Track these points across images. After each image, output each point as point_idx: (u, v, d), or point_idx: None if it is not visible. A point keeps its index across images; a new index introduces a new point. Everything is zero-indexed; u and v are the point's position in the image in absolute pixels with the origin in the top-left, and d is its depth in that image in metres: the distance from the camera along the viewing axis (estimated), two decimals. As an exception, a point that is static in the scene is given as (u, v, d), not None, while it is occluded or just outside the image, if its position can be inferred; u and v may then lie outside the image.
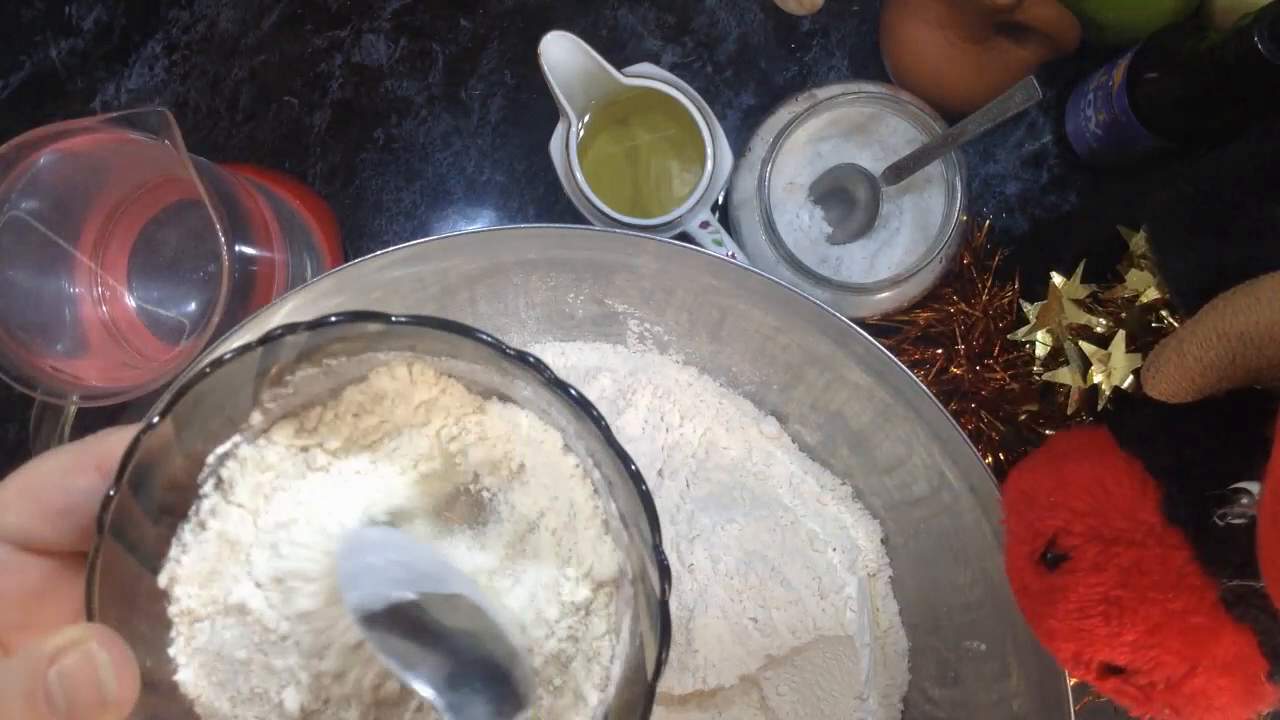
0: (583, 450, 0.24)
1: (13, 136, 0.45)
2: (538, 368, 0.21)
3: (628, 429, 0.52)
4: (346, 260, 0.48)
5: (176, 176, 0.47)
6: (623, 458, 0.22)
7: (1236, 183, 0.38)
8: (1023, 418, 0.54)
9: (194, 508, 0.23)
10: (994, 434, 0.54)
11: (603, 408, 0.53)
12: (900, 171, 0.54)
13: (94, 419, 0.51)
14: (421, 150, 0.62)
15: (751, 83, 0.61)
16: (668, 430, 0.53)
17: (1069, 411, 0.51)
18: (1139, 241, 0.51)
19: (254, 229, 0.49)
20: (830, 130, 0.57)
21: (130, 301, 0.53)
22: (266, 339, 0.21)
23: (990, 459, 0.53)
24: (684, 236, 0.56)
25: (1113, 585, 0.34)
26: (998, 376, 0.54)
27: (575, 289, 0.51)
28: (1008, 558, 0.39)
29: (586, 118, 0.55)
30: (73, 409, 0.49)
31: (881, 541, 0.53)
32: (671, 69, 0.58)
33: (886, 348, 0.45)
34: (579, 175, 0.53)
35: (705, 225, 0.56)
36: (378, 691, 0.22)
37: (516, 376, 0.23)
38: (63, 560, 0.22)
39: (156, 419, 0.20)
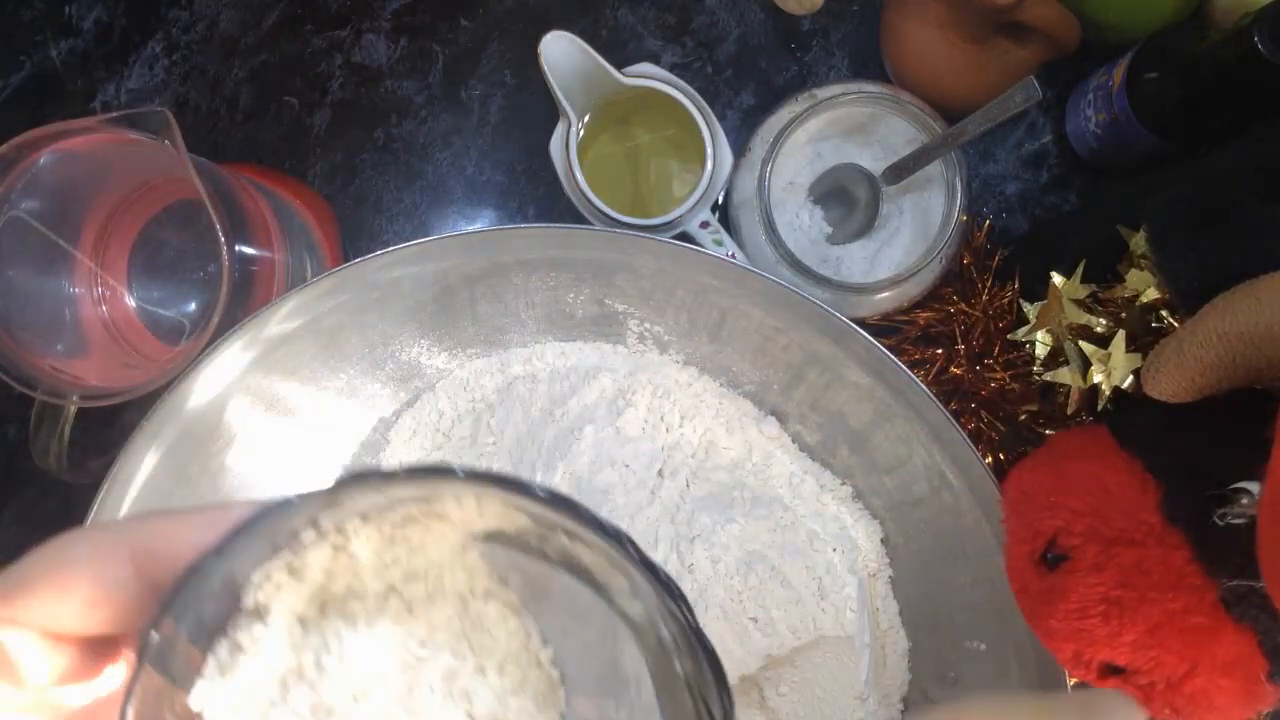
0: (651, 604, 0.23)
1: (13, 136, 0.45)
2: (618, 539, 0.20)
3: (628, 429, 0.52)
4: (346, 260, 0.48)
5: (176, 176, 0.47)
6: (698, 634, 0.20)
7: (1236, 183, 0.38)
8: (1023, 418, 0.54)
9: (232, 622, 0.22)
10: (994, 434, 0.54)
11: (602, 408, 0.53)
12: (900, 171, 0.54)
13: (94, 419, 0.51)
14: (421, 150, 0.62)
15: (751, 83, 0.61)
16: (668, 430, 0.53)
17: (1069, 411, 0.51)
18: (1139, 241, 0.51)
19: (254, 229, 0.49)
20: (830, 130, 0.57)
21: (130, 301, 0.53)
22: (336, 488, 0.20)
23: (990, 459, 0.53)
24: (684, 236, 0.56)
25: (1113, 585, 0.34)
26: (998, 376, 0.54)
27: (575, 289, 0.51)
28: (1008, 558, 0.39)
29: (586, 118, 0.55)
30: (73, 409, 0.49)
31: (881, 541, 0.53)
32: (671, 69, 0.58)
33: (886, 348, 0.45)
34: (579, 175, 0.53)
35: (705, 225, 0.56)
36: None
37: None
38: (83, 644, 0.22)
39: (213, 555, 0.19)
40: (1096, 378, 0.49)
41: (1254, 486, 0.31)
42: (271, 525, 0.20)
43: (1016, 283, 0.55)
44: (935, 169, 0.54)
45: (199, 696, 0.21)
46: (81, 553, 0.21)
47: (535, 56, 0.52)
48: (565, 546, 0.23)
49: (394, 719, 0.21)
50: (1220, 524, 0.32)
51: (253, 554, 0.21)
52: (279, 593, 0.21)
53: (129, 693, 0.19)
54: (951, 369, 0.55)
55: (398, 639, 0.22)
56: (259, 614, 0.21)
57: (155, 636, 0.19)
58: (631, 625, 0.22)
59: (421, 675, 0.21)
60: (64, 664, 0.21)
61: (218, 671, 0.21)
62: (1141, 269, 0.50)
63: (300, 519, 0.21)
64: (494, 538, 0.23)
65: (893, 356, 0.45)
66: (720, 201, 0.58)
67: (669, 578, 0.20)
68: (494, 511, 0.23)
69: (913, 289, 0.55)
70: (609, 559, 0.22)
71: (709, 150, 0.53)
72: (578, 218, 0.57)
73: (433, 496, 0.22)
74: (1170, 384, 0.34)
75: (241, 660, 0.21)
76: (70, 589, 0.20)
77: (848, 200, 0.58)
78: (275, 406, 0.50)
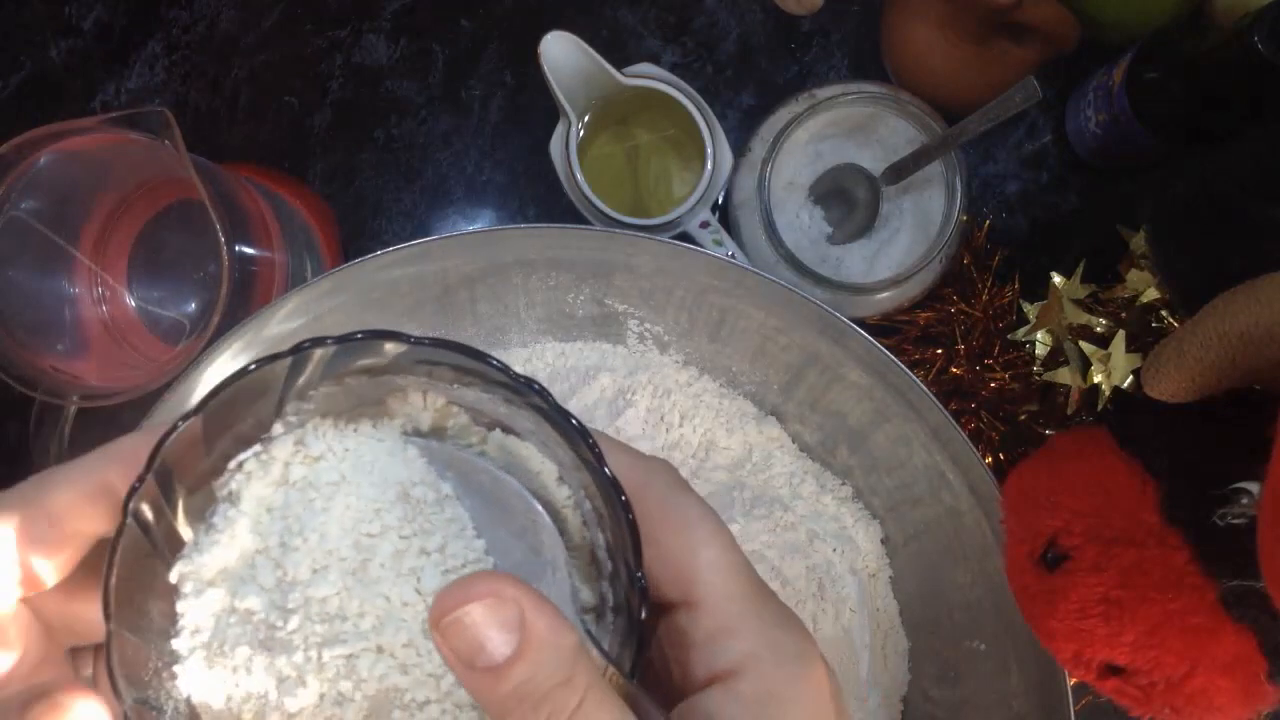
0: (575, 482, 0.26)
1: (13, 136, 0.45)
2: (541, 394, 0.23)
3: (628, 429, 0.52)
4: (346, 260, 0.48)
5: (176, 176, 0.47)
6: (615, 486, 0.23)
7: (1236, 183, 0.38)
8: (1023, 418, 0.54)
9: (210, 510, 0.24)
10: (994, 434, 0.54)
11: (602, 408, 0.53)
12: (900, 171, 0.54)
13: (94, 419, 0.51)
14: (421, 150, 0.62)
15: (751, 83, 0.61)
16: (667, 430, 0.53)
17: (1069, 411, 0.51)
18: (1139, 241, 0.51)
19: (254, 229, 0.49)
20: (830, 130, 0.57)
21: (130, 301, 0.53)
22: (296, 350, 0.22)
23: (990, 459, 0.53)
24: (684, 236, 0.56)
25: (1113, 585, 0.34)
26: (998, 376, 0.54)
27: (575, 289, 0.51)
28: (1007, 558, 0.39)
29: (586, 118, 0.55)
30: (73, 409, 0.49)
31: (881, 541, 0.53)
32: (671, 69, 0.58)
33: (886, 348, 0.45)
34: (579, 175, 0.53)
35: (705, 225, 0.56)
36: (382, 681, 0.23)
37: (520, 406, 0.24)
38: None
39: (182, 420, 0.22)
40: (1096, 378, 0.49)
41: (1254, 486, 0.31)
42: (239, 391, 0.22)
43: (1016, 283, 0.55)
44: (935, 169, 0.54)
45: (177, 571, 0.23)
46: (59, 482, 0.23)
47: (535, 56, 0.52)
48: (501, 441, 0.26)
49: (351, 590, 0.23)
50: (1220, 524, 0.32)
51: (233, 436, 0.24)
52: (250, 481, 0.24)
53: (113, 549, 0.22)
54: (951, 369, 0.55)
55: (350, 522, 0.24)
56: (232, 500, 0.24)
57: (134, 495, 0.22)
58: (554, 514, 0.25)
59: (373, 555, 0.24)
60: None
61: (194, 551, 0.23)
62: (1141, 269, 0.50)
63: (269, 401, 0.24)
64: (435, 433, 0.26)
65: (893, 356, 0.45)
66: (720, 201, 0.58)
67: (581, 425, 0.23)
68: (438, 409, 0.26)
69: (913, 289, 0.55)
70: (540, 446, 0.25)
71: (709, 150, 0.53)
72: (578, 218, 0.57)
73: (385, 392, 0.25)
74: (1170, 384, 0.34)
75: (218, 539, 0.23)
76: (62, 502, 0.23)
77: (848, 200, 0.58)
78: (275, 406, 0.50)
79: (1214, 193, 0.38)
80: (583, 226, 0.48)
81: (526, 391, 0.23)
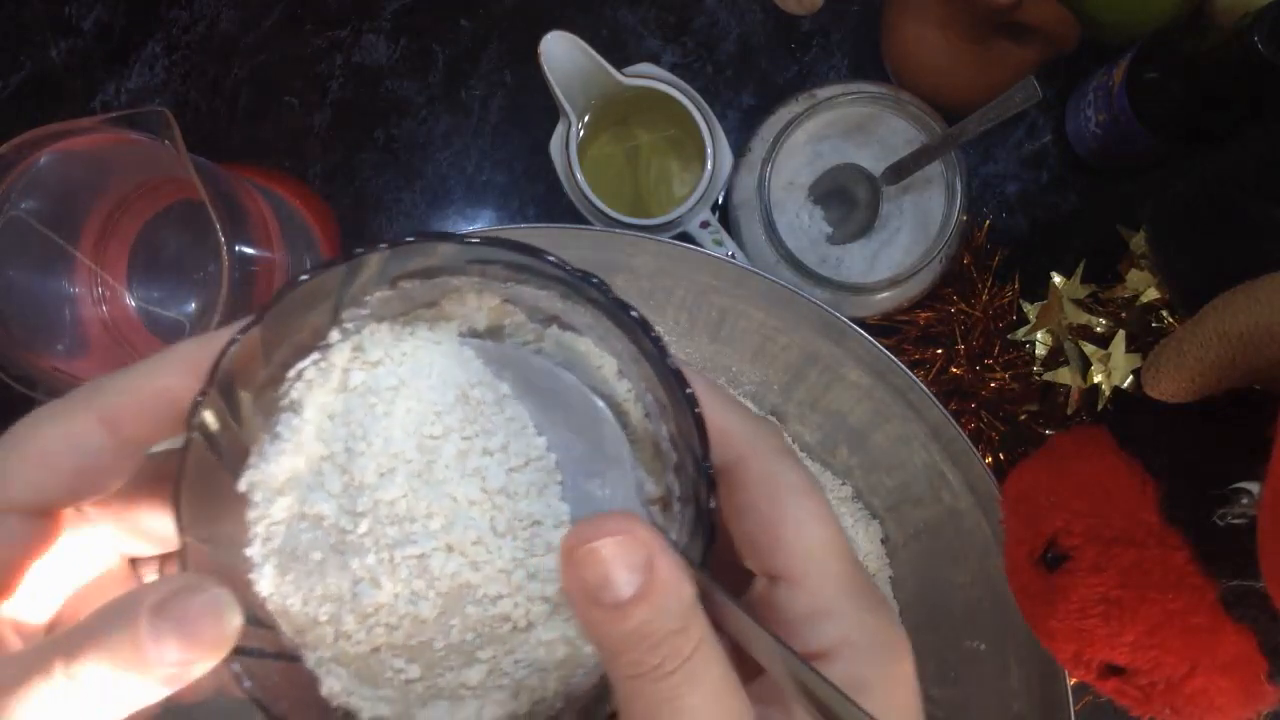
0: (636, 375, 0.25)
1: (13, 136, 0.45)
2: (599, 287, 0.22)
3: (628, 429, 0.52)
4: (346, 260, 0.48)
5: (176, 176, 0.47)
6: (679, 379, 0.22)
7: (1236, 183, 0.38)
8: (1023, 418, 0.54)
9: (273, 420, 0.24)
10: (994, 434, 0.54)
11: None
12: (900, 171, 0.54)
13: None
14: (421, 150, 0.62)
15: (751, 83, 0.61)
16: (668, 430, 0.53)
17: (1069, 411, 0.51)
18: (1139, 241, 0.51)
19: (254, 229, 0.49)
20: (830, 130, 0.57)
21: (130, 301, 0.53)
22: (350, 256, 0.22)
23: (990, 459, 0.53)
24: (684, 236, 0.56)
25: (1113, 585, 0.34)
26: (998, 376, 0.54)
27: (575, 289, 0.51)
28: (1007, 558, 0.39)
29: (586, 118, 0.55)
30: (73, 409, 0.49)
31: (881, 541, 0.53)
32: (671, 69, 0.58)
33: (886, 348, 0.45)
34: (579, 175, 0.53)
35: (705, 225, 0.56)
36: (454, 578, 0.23)
37: (577, 301, 0.24)
38: (77, 515, 0.23)
39: (241, 332, 0.22)
40: (1096, 378, 0.49)
41: (1254, 486, 0.31)
42: (296, 301, 0.22)
43: (1016, 283, 0.55)
44: (935, 169, 0.54)
45: (246, 481, 0.23)
46: (50, 433, 0.22)
47: (535, 56, 0.52)
48: (558, 337, 0.26)
49: (417, 491, 0.23)
50: (1220, 524, 0.32)
51: (291, 345, 0.24)
52: (311, 389, 0.24)
53: (181, 464, 0.22)
54: (951, 369, 0.55)
55: (412, 425, 0.24)
56: (294, 408, 0.24)
57: (198, 409, 0.22)
58: (615, 408, 0.25)
59: (437, 456, 0.24)
60: (54, 537, 0.23)
61: (262, 460, 0.24)
62: (1141, 269, 0.50)
63: (325, 309, 0.24)
64: (492, 333, 0.26)
65: (893, 356, 0.45)
66: (720, 201, 0.58)
67: (642, 317, 0.22)
68: (492, 308, 0.26)
69: (913, 289, 0.55)
70: (598, 340, 0.25)
71: (709, 150, 0.53)
72: (578, 218, 0.57)
73: (439, 294, 0.25)
74: (1170, 384, 0.34)
75: (284, 447, 0.24)
76: (47, 464, 0.22)
77: (848, 200, 0.58)
78: (275, 406, 0.50)
79: (1214, 193, 0.38)
80: (583, 226, 0.48)
81: (583, 285, 0.23)
